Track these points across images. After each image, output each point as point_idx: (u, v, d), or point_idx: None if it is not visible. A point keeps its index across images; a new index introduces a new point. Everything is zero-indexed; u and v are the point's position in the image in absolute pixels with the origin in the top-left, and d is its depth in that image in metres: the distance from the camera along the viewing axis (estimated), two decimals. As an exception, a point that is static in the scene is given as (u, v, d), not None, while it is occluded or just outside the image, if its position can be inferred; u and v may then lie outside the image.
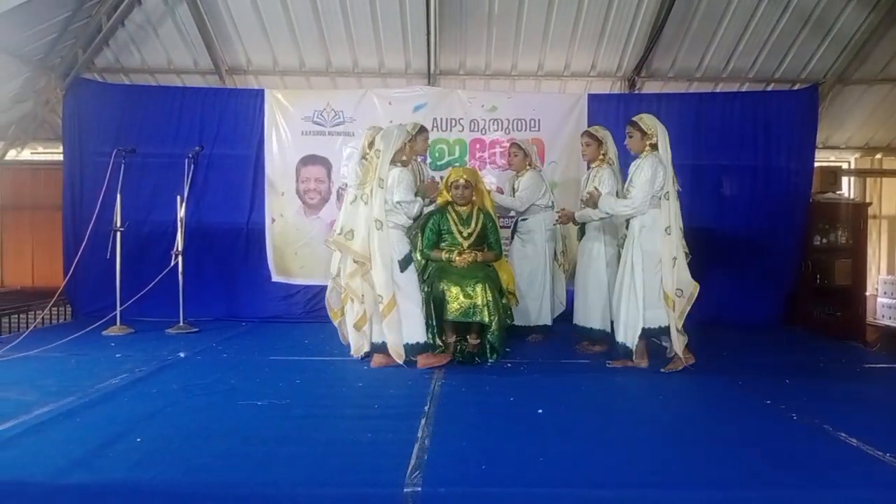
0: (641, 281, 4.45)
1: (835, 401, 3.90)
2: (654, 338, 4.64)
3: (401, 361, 4.56)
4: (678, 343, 4.45)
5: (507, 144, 6.12)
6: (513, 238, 5.88)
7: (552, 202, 5.71)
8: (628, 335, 4.55)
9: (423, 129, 5.25)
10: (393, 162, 4.63)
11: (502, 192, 6.15)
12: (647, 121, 4.59)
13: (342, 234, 4.68)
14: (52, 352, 4.98)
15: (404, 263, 4.63)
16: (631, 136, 4.63)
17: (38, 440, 3.04)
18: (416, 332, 4.63)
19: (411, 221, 4.78)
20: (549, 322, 5.71)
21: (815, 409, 3.59)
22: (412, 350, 4.62)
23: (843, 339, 6.14)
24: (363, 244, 4.53)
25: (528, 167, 5.72)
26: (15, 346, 5.05)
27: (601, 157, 5.13)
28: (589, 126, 6.67)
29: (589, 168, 5.37)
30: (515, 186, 5.75)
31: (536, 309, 5.65)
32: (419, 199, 4.80)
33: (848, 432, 3.19)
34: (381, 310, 4.52)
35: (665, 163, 4.48)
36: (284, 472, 2.69)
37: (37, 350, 4.95)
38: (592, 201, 4.74)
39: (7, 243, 8.04)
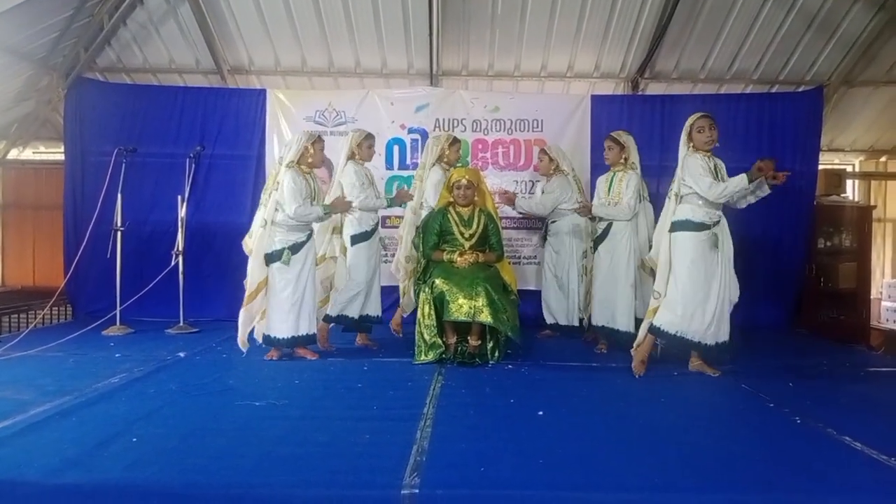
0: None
1: (839, 404, 3.87)
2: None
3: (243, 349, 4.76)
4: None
5: (508, 144, 6.24)
6: (544, 241, 6.05)
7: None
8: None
9: (319, 139, 4.97)
10: (294, 165, 4.77)
11: (508, 194, 6.14)
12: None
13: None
14: (51, 351, 4.97)
15: (269, 258, 4.74)
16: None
17: (33, 439, 3.02)
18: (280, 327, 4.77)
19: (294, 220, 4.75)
20: (575, 323, 5.81)
21: (820, 413, 3.55)
22: (277, 343, 4.80)
23: (847, 342, 6.09)
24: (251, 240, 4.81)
25: (554, 172, 5.87)
26: (14, 345, 5.03)
27: (622, 161, 5.25)
28: (591, 127, 6.74)
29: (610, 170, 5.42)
30: (544, 190, 5.92)
31: (564, 310, 5.86)
32: (310, 203, 4.77)
33: (852, 436, 3.15)
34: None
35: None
36: (281, 473, 2.66)
37: (36, 349, 4.93)
38: (586, 209, 5.37)
39: (8, 243, 8.03)
